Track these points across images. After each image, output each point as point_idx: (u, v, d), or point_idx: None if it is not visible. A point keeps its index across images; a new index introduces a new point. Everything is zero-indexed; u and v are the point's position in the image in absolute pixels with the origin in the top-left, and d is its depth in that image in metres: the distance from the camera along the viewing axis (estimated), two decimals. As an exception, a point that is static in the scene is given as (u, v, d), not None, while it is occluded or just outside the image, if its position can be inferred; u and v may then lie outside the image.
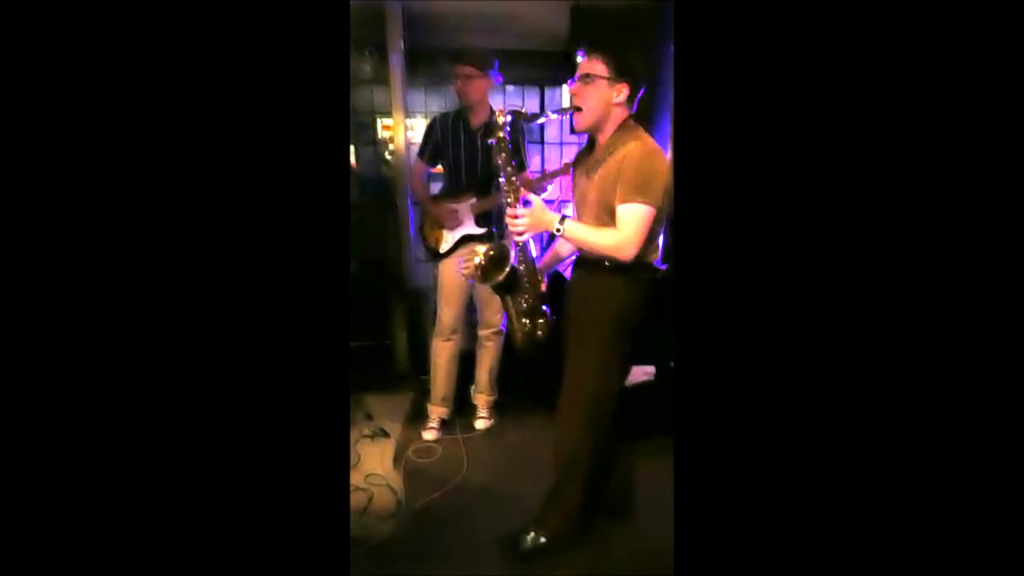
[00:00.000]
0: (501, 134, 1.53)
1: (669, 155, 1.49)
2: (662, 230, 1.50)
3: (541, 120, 1.62)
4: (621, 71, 1.41)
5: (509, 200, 1.50)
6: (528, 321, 1.63)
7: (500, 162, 1.53)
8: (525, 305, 1.62)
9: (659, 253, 1.55)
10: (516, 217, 1.47)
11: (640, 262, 1.44)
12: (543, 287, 1.64)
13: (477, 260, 1.61)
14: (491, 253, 1.63)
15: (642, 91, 1.47)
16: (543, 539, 1.66)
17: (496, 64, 2.14)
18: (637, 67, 1.44)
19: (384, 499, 1.94)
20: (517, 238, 1.51)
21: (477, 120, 2.19)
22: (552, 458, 1.66)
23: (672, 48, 2.61)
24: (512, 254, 1.59)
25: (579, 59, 1.48)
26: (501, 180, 1.54)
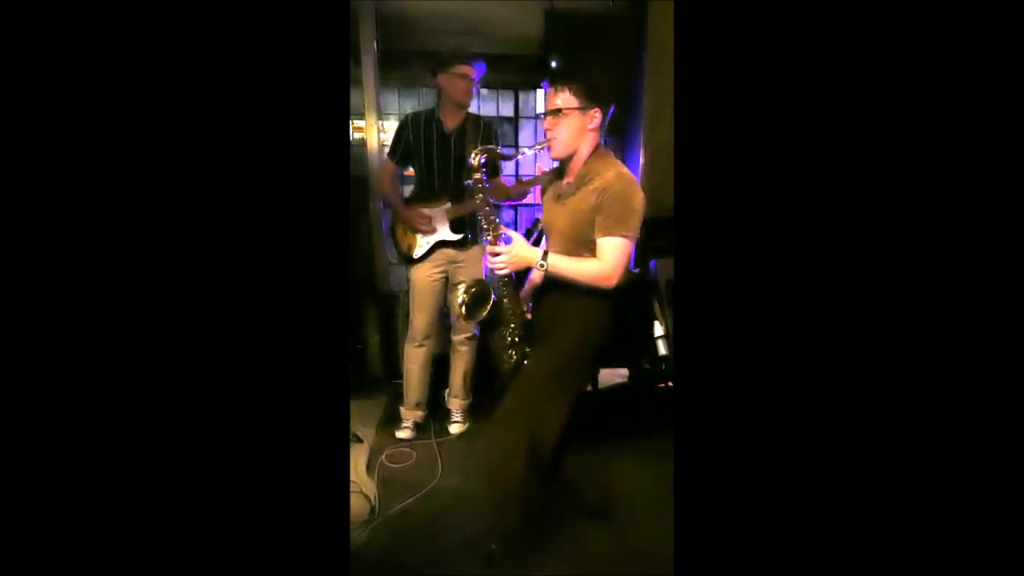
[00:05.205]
0: (478, 176, 1.54)
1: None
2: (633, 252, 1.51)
3: (518, 156, 1.63)
4: (591, 97, 1.43)
5: (489, 238, 1.51)
6: (514, 352, 1.62)
7: (477, 203, 1.56)
8: (510, 339, 1.62)
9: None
10: (497, 255, 1.46)
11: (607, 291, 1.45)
12: (527, 315, 1.63)
13: (460, 299, 1.61)
14: (474, 291, 1.63)
15: (612, 111, 1.48)
16: (493, 546, 1.64)
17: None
18: (605, 91, 1.45)
19: (358, 506, 1.92)
20: (500, 274, 1.50)
21: (452, 123, 2.17)
22: (487, 470, 1.62)
23: (644, 56, 2.66)
24: (494, 289, 1.59)
25: (544, 90, 1.48)
26: (480, 219, 1.56)
